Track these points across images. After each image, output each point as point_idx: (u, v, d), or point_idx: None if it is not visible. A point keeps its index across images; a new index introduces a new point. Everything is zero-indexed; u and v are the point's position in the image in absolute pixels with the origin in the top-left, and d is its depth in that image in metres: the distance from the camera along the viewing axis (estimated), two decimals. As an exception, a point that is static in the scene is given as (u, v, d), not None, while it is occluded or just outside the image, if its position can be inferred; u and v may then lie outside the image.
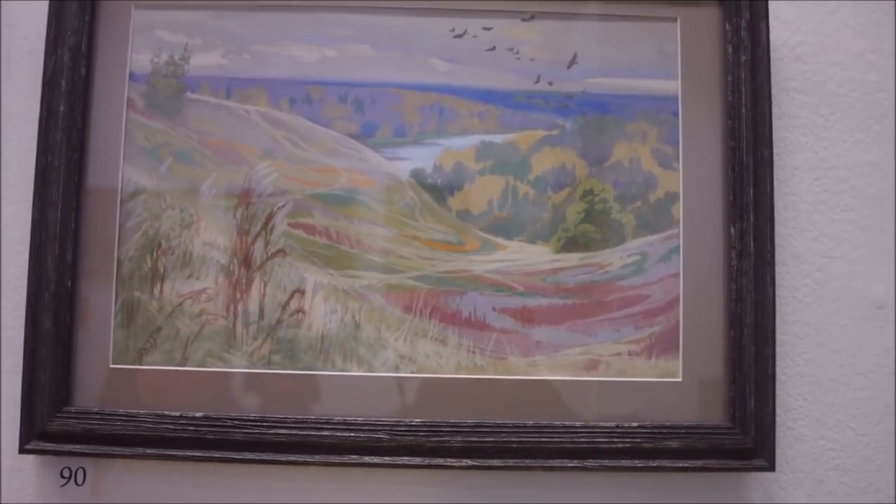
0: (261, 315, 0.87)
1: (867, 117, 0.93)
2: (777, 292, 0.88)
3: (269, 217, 0.88)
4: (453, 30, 0.90)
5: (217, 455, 0.85)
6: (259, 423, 0.85)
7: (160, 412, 0.85)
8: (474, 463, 0.84)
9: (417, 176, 0.89)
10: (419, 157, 0.89)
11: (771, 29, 0.89)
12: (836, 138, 0.93)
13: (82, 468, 0.88)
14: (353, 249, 0.88)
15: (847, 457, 0.90)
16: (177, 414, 0.85)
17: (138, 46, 0.90)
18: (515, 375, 0.87)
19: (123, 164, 0.89)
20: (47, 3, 0.88)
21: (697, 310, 0.87)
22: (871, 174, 0.93)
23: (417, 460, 0.84)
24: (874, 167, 0.93)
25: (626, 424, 0.85)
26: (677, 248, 0.88)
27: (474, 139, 0.89)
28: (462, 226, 0.88)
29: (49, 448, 0.85)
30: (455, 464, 0.84)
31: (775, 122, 0.90)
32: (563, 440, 0.85)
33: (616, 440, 0.85)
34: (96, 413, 0.86)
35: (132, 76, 0.89)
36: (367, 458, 0.84)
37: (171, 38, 0.90)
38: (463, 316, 0.87)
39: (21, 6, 0.92)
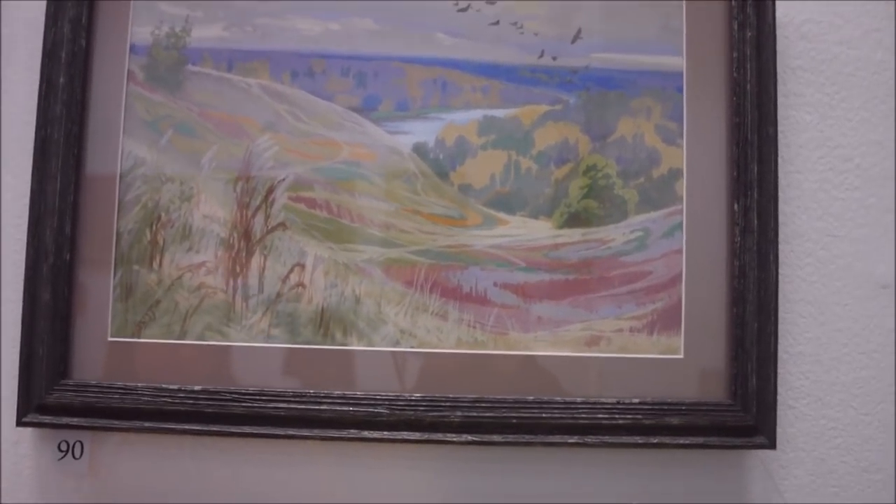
0: (260, 289, 0.87)
1: (873, 96, 0.92)
2: (780, 270, 0.88)
3: (270, 190, 0.88)
4: (457, 3, 0.89)
5: (215, 429, 0.84)
6: (258, 397, 0.85)
7: (158, 385, 0.85)
8: (474, 438, 0.84)
9: (419, 150, 0.88)
10: (421, 132, 0.88)
11: (777, 7, 0.88)
12: (842, 117, 0.92)
13: (80, 441, 0.87)
14: (353, 223, 0.88)
15: (848, 436, 0.90)
16: (175, 387, 0.85)
17: (139, 18, 0.89)
18: (516, 351, 0.86)
19: (123, 137, 0.88)
20: (47, -25, 0.87)
21: (700, 286, 0.87)
22: (877, 153, 0.92)
23: (416, 435, 0.84)
24: (879, 146, 0.92)
25: (627, 400, 0.85)
26: (680, 225, 0.87)
27: (477, 113, 0.88)
28: (464, 200, 0.88)
29: (46, 421, 0.85)
30: (454, 439, 0.84)
31: (780, 101, 0.90)
32: (563, 416, 0.84)
33: (617, 416, 0.84)
34: (94, 386, 0.85)
35: (133, 48, 0.89)
36: (366, 433, 0.84)
37: (172, 10, 0.89)
38: (464, 291, 0.87)
39: (21, -24, 0.91)
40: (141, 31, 0.89)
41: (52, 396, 0.85)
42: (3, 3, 0.92)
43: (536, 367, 0.86)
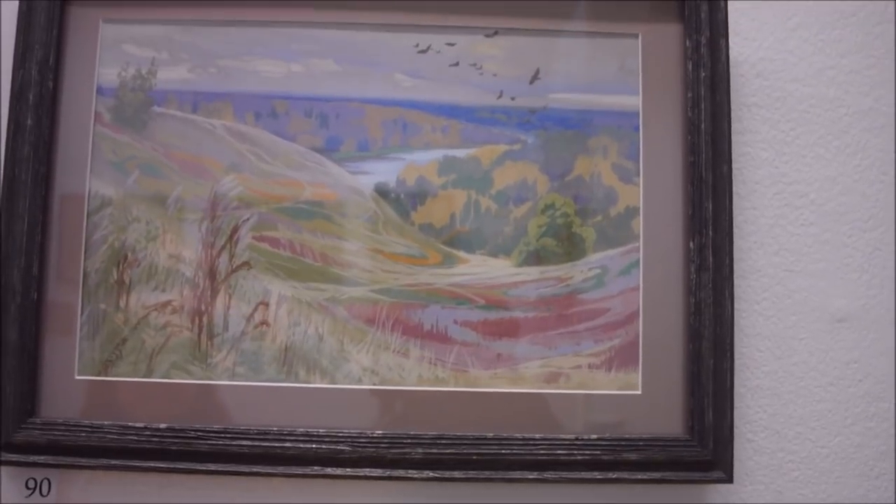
0: (225, 327, 0.88)
1: (827, 133, 0.94)
2: (737, 306, 0.89)
3: (234, 230, 0.89)
4: (417, 45, 0.91)
5: (181, 466, 0.85)
6: (222, 435, 0.86)
7: (125, 423, 0.86)
8: (435, 475, 0.85)
9: (381, 190, 0.90)
10: (383, 172, 0.90)
11: (732, 45, 0.90)
12: (797, 153, 0.94)
13: (47, 479, 0.88)
14: (316, 262, 0.89)
15: (806, 468, 0.91)
16: (141, 425, 0.86)
17: (106, 60, 0.90)
18: (476, 388, 0.87)
19: (90, 177, 0.89)
20: (15, 16, 0.88)
21: (657, 323, 0.88)
22: (831, 189, 0.94)
23: (378, 472, 0.85)
24: (834, 182, 0.94)
25: (585, 437, 0.86)
26: (637, 262, 0.89)
27: (437, 153, 0.90)
28: (425, 239, 0.89)
29: (14, 459, 0.86)
30: (416, 475, 0.85)
31: (736, 138, 0.91)
32: (522, 452, 0.85)
33: (576, 452, 0.85)
34: (61, 424, 0.86)
35: (100, 90, 0.90)
36: (328, 470, 0.85)
37: (138, 52, 0.91)
38: (425, 329, 0.88)
39: (-10, 20, 0.93)
40: (108, 73, 0.90)
41: (20, 434, 0.86)
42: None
43: (497, 404, 0.87)
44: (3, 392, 0.86)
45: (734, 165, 0.90)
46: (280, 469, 0.85)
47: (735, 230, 0.89)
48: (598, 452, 0.86)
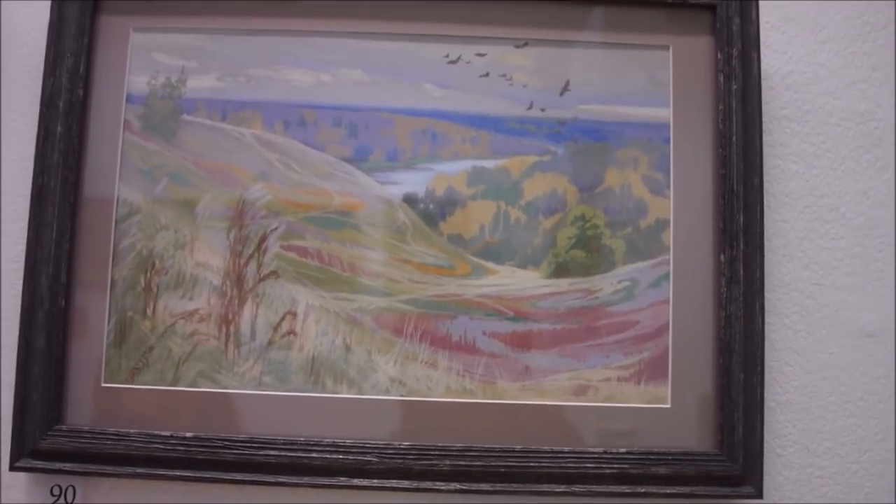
0: (252, 336, 0.88)
1: (858, 146, 0.93)
2: (766, 319, 0.88)
3: (262, 239, 0.89)
4: (447, 55, 0.90)
5: (206, 475, 0.85)
6: (248, 444, 0.85)
7: (150, 432, 0.86)
8: (462, 487, 0.85)
9: (410, 200, 0.89)
10: (411, 182, 0.89)
11: (763, 58, 0.90)
12: (827, 167, 0.93)
13: (72, 486, 0.88)
14: (344, 272, 0.89)
15: (835, 484, 0.90)
16: (167, 434, 0.86)
17: (136, 68, 0.91)
18: (504, 400, 0.87)
19: (119, 185, 0.89)
20: (47, 24, 0.89)
21: (686, 336, 0.88)
22: (862, 203, 0.93)
23: (406, 483, 0.85)
24: (864, 196, 0.93)
25: (614, 450, 0.85)
26: (667, 275, 0.88)
27: (466, 164, 0.90)
28: (453, 250, 0.89)
29: (39, 466, 0.86)
30: (443, 487, 0.84)
31: (767, 150, 0.91)
32: (551, 465, 0.85)
33: (604, 466, 0.85)
34: (87, 432, 0.86)
35: (129, 98, 0.90)
36: (355, 481, 0.85)
37: (168, 61, 0.91)
38: (453, 340, 0.88)
39: (21, 27, 0.93)
40: (137, 81, 0.91)
41: (46, 441, 0.86)
42: (4, 52, 0.93)
43: (525, 416, 0.87)
44: (29, 399, 0.86)
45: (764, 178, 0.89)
46: (306, 480, 0.85)
47: (765, 243, 0.88)
48: (627, 466, 0.85)
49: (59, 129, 0.88)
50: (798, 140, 0.93)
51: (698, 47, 0.90)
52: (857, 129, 0.94)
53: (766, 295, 0.89)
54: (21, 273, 0.88)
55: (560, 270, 0.88)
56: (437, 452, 0.85)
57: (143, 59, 0.91)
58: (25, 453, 0.86)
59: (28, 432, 0.86)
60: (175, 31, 0.91)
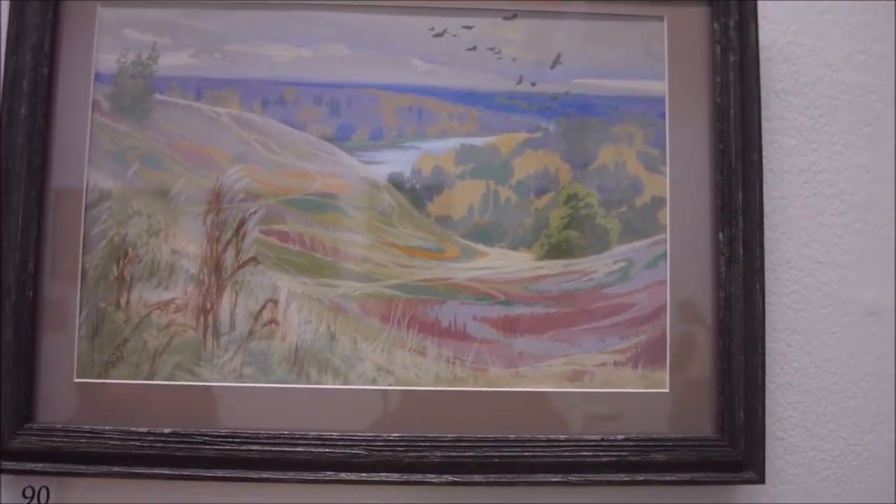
0: (232, 326, 0.84)
1: (858, 120, 0.91)
2: (766, 299, 0.86)
3: (241, 224, 0.85)
4: (433, 29, 0.87)
5: (186, 473, 0.82)
6: (230, 439, 0.82)
7: (127, 428, 0.82)
8: (454, 479, 0.82)
9: (395, 180, 0.86)
10: (397, 161, 0.86)
11: (760, 29, 0.87)
12: (826, 141, 0.91)
13: (45, 487, 0.84)
14: (328, 257, 0.85)
15: (838, 467, 0.88)
16: (144, 430, 0.82)
17: (104, 46, 0.86)
18: (497, 387, 0.84)
19: (88, 169, 0.85)
20: (8, 0, 0.84)
21: (685, 318, 0.85)
22: (862, 178, 0.91)
23: (395, 476, 0.82)
24: (865, 171, 0.91)
25: (611, 437, 0.83)
26: (664, 255, 0.85)
27: (454, 142, 0.86)
28: (442, 232, 0.85)
29: (10, 467, 0.82)
30: (434, 480, 0.82)
31: (764, 125, 0.88)
32: (546, 454, 0.82)
33: (601, 454, 0.82)
34: (60, 430, 0.82)
35: (98, 77, 0.86)
36: (343, 475, 0.82)
37: (138, 37, 0.86)
38: (443, 326, 0.84)
39: (-20, 3, 0.88)
40: (106, 59, 0.86)
41: (16, 441, 0.82)
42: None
43: (518, 404, 0.84)
44: (-3, 396, 0.82)
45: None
46: (291, 475, 0.82)
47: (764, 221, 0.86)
48: (625, 453, 0.82)
49: (23, 110, 0.84)
50: (796, 114, 0.91)
51: (694, 18, 0.87)
52: (856, 101, 0.91)
53: (765, 274, 0.86)
54: (-14, 263, 0.83)
55: (553, 252, 0.85)
56: (427, 444, 0.82)
57: (111, 35, 0.86)
58: (-6, 453, 0.82)
59: (-3, 431, 0.82)
60: (146, 5, 0.86)
